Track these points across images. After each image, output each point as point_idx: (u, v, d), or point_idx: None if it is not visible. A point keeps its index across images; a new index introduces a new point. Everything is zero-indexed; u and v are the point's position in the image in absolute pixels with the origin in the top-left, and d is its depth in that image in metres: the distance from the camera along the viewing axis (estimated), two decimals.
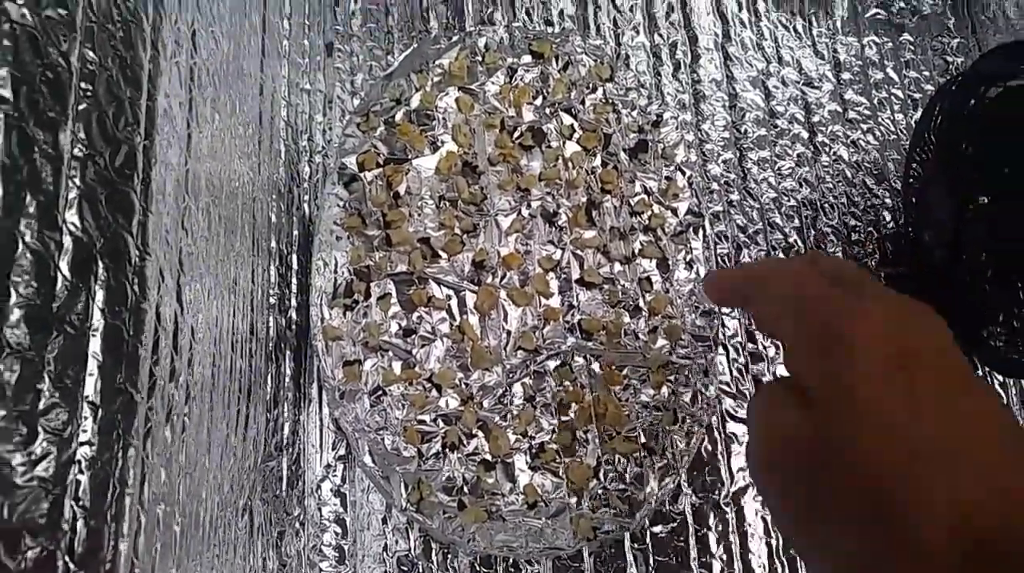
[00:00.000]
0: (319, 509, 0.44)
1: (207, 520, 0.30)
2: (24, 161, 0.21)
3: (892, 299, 0.26)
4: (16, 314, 0.21)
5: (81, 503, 0.22)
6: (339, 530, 0.44)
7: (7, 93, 0.21)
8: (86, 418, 0.22)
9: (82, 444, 0.22)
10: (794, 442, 0.25)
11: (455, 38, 0.51)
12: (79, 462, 0.22)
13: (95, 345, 0.23)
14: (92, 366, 0.23)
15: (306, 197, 0.49)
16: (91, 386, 0.23)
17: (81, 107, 0.24)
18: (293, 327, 0.46)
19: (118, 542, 0.23)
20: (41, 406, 0.21)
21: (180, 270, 0.27)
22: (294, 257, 0.47)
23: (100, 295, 0.23)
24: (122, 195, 0.24)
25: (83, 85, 0.24)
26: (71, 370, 0.22)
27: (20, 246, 0.21)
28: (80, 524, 0.21)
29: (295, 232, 0.47)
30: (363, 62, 0.52)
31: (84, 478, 0.22)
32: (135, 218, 0.25)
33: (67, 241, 0.22)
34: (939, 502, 0.21)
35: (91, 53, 0.24)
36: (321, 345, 0.44)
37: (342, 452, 0.45)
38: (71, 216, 0.23)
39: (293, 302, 0.46)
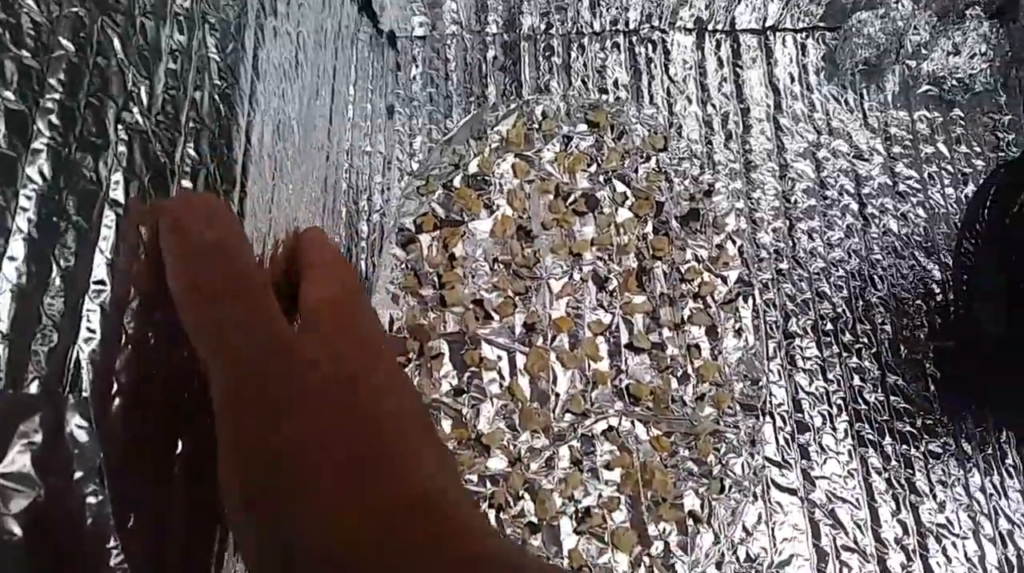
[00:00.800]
0: None
1: None
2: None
3: None
4: None
5: None
6: None
7: (120, 196, 0.23)
8: None
9: None
10: None
11: (513, 106, 0.52)
12: None
13: None
14: None
15: (363, 255, 0.50)
16: None
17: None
18: None
19: None
20: None
21: None
22: None
23: None
24: None
25: (185, 183, 0.25)
26: None
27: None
28: None
29: None
30: (422, 125, 0.54)
31: None
32: None
33: None
34: None
35: (193, 152, 0.26)
36: None
37: None
38: None
39: None
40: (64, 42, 0.22)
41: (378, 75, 0.54)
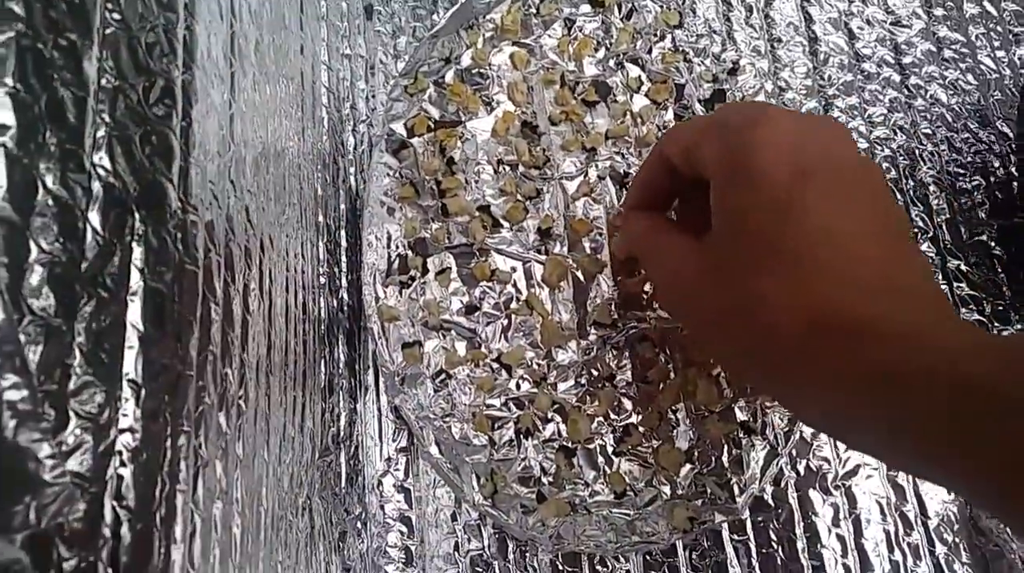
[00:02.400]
0: (382, 507, 0.40)
1: (267, 521, 0.26)
2: (43, 89, 0.18)
3: (789, 119, 0.27)
4: (38, 273, 0.17)
5: (124, 502, 0.18)
6: (404, 529, 0.40)
7: (18, 7, 0.17)
8: (127, 400, 0.18)
9: (123, 431, 0.18)
10: (687, 277, 0.29)
11: None
12: (120, 453, 0.18)
13: (134, 312, 0.19)
14: (132, 337, 0.19)
15: (352, 169, 0.45)
16: (131, 361, 0.19)
17: (108, 31, 0.20)
18: (345, 309, 0.42)
19: (170, 548, 0.19)
20: (72, 386, 0.17)
21: (229, 229, 0.23)
22: (342, 233, 0.43)
23: (138, 252, 0.19)
24: (160, 136, 0.20)
25: (108, 5, 0.20)
26: (107, 342, 0.18)
27: (40, 191, 0.17)
28: (124, 528, 0.17)
29: (342, 207, 0.43)
30: (406, 23, 0.48)
31: (127, 472, 0.18)
32: (175, 163, 0.21)
33: (96, 187, 0.18)
34: (789, 297, 0.24)
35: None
36: (377, 327, 0.40)
37: (403, 443, 0.41)
38: (100, 158, 0.19)
39: (343, 282, 0.42)
40: None
41: None
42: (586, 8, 0.46)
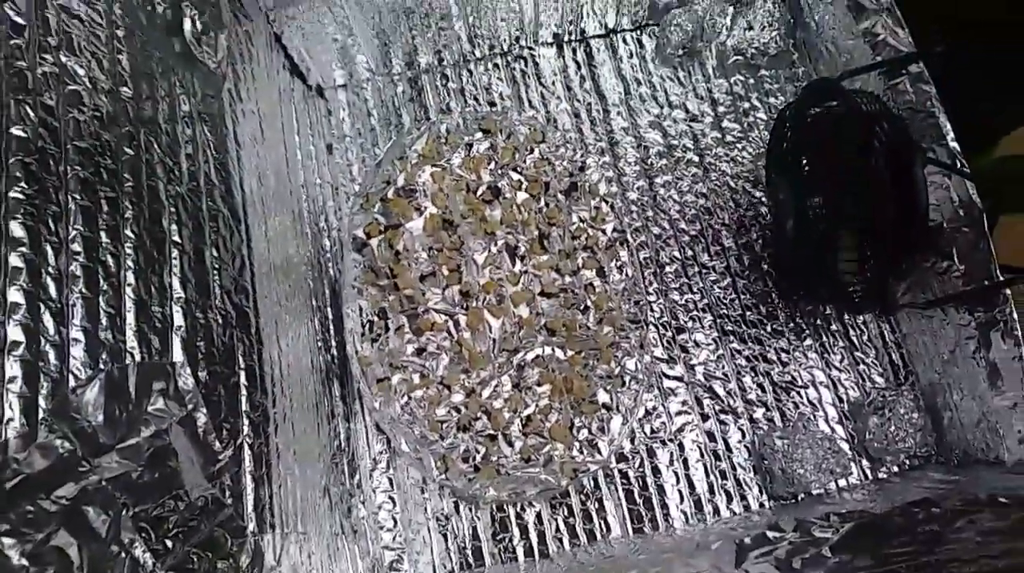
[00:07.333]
0: (374, 490, 0.60)
1: (309, 511, 0.47)
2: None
3: None
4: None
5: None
6: (390, 502, 0.60)
7: (178, 238, 0.38)
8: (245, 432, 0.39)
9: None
10: None
11: (423, 128, 0.67)
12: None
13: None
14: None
15: (330, 264, 0.65)
16: (244, 400, 0.39)
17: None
18: (336, 361, 0.62)
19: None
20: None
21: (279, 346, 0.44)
22: (329, 310, 0.64)
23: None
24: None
25: (211, 224, 0.40)
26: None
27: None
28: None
29: (327, 292, 0.64)
30: (356, 156, 0.69)
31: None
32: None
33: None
34: None
35: (211, 203, 0.41)
36: (358, 371, 0.61)
37: (384, 446, 0.61)
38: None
39: (333, 343, 0.63)
40: (126, 149, 0.36)
41: (315, 122, 0.69)
42: (479, 135, 0.67)
